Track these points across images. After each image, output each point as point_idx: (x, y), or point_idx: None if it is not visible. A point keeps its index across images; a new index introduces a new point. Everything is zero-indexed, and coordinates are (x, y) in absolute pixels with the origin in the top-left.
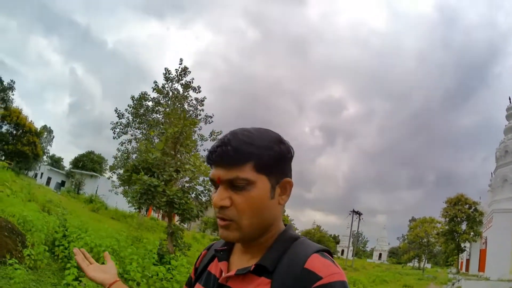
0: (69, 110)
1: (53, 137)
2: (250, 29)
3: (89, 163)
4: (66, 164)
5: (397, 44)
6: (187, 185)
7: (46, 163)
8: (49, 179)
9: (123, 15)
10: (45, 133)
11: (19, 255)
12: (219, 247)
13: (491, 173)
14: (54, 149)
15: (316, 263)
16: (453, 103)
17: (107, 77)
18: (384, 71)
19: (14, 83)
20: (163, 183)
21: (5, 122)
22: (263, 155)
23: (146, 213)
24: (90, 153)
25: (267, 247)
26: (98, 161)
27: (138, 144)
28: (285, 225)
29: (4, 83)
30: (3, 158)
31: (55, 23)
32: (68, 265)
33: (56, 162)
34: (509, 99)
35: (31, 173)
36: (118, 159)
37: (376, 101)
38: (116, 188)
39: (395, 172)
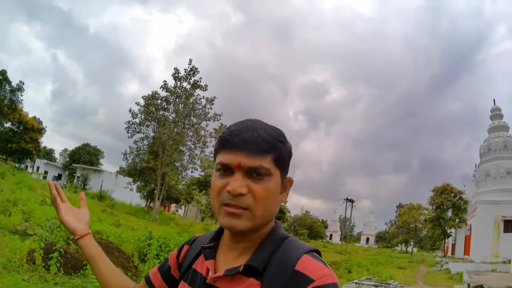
0: (52, 98)
1: (45, 129)
2: (234, 13)
3: (86, 156)
4: (57, 155)
5: (383, 29)
6: None
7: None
8: (45, 173)
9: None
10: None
11: (134, 270)
12: (205, 243)
13: (475, 165)
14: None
15: (308, 265)
16: (438, 89)
17: (89, 62)
18: (370, 56)
19: (23, 83)
20: None
21: (7, 120)
22: (281, 149)
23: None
24: (86, 145)
25: (257, 245)
26: (95, 153)
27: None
28: (274, 222)
29: (13, 85)
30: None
31: (37, 9)
32: None
33: (48, 154)
34: (493, 101)
35: (24, 167)
36: (128, 155)
37: (361, 86)
38: (130, 185)
39: (380, 157)
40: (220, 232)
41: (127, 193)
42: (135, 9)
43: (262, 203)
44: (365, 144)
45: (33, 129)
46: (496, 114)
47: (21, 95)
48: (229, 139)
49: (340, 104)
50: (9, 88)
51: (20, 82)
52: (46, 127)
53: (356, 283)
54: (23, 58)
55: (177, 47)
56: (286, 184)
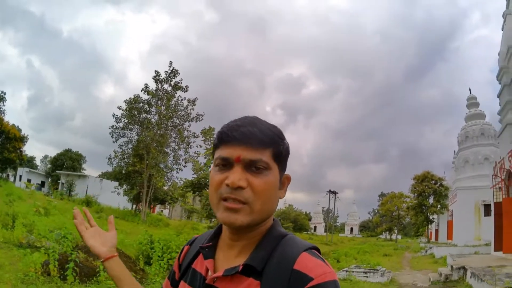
0: (29, 104)
1: (27, 137)
2: (208, 10)
3: (68, 161)
4: (38, 162)
5: (358, 22)
6: None
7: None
8: (28, 181)
9: (78, 2)
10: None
11: (141, 273)
12: (204, 243)
13: (454, 152)
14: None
15: (307, 263)
16: (414, 78)
17: (64, 67)
18: (346, 48)
19: (4, 93)
20: None
21: None
22: (279, 145)
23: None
24: (68, 151)
25: (256, 242)
26: (77, 158)
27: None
28: (273, 220)
29: None
30: None
31: (10, 15)
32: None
33: (29, 162)
34: (469, 90)
35: (5, 176)
36: (113, 159)
37: (338, 78)
38: (117, 189)
39: (360, 148)
40: (219, 231)
41: (113, 197)
42: (108, 10)
43: (261, 197)
44: (345, 135)
45: (15, 138)
46: (472, 102)
47: (3, 105)
48: (229, 133)
49: (317, 97)
50: None
51: (2, 92)
52: (27, 135)
53: (347, 271)
54: None
55: (152, 47)
56: (284, 181)
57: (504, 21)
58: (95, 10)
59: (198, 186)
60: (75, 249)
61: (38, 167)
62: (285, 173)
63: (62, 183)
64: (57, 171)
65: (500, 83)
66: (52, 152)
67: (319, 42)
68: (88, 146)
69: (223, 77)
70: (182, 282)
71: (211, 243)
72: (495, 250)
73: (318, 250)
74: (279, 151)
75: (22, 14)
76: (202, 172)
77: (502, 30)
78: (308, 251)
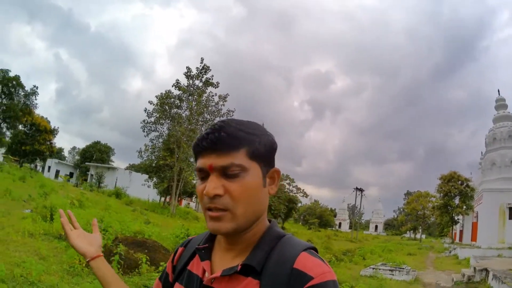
0: (57, 97)
1: (58, 130)
2: (235, 5)
3: (97, 153)
4: (66, 153)
5: (385, 19)
6: None
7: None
8: (57, 172)
9: None
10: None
11: None
12: (200, 244)
13: (481, 153)
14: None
15: (306, 262)
16: (441, 77)
17: (92, 60)
18: (373, 45)
19: (37, 88)
20: None
21: (19, 122)
22: (255, 142)
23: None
24: (97, 143)
25: (253, 245)
26: (106, 151)
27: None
28: (269, 221)
29: (27, 89)
30: (19, 159)
31: (38, 9)
32: None
33: (57, 153)
34: (498, 91)
35: (34, 166)
36: (143, 153)
37: (364, 76)
38: (148, 182)
39: (386, 146)
40: (214, 234)
41: (142, 190)
42: (136, 5)
43: (240, 201)
44: (371, 133)
45: (46, 131)
46: (500, 104)
47: (35, 99)
48: (199, 144)
49: (344, 93)
50: (23, 93)
51: (34, 86)
52: (58, 128)
53: (373, 268)
54: (26, 58)
55: (180, 41)
56: (273, 176)
57: None
58: (123, 4)
59: None
60: (115, 241)
61: (66, 158)
62: (275, 167)
63: (91, 175)
64: (86, 163)
65: None
66: (80, 144)
67: (346, 39)
68: (115, 139)
69: (250, 72)
70: (177, 284)
71: (207, 245)
72: None
73: (316, 250)
74: (255, 148)
75: (50, 8)
76: None
77: None
78: (307, 251)
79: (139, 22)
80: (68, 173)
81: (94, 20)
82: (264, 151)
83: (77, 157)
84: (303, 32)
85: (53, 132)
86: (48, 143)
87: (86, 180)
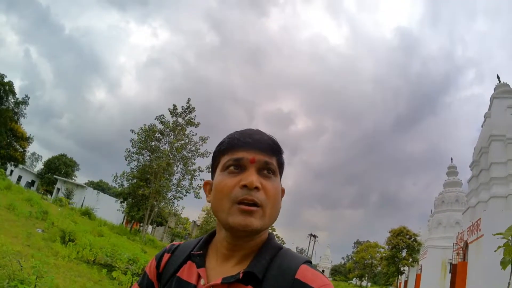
0: (19, 94)
1: (33, 138)
2: (210, 33)
3: (62, 166)
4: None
5: (356, 65)
6: None
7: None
8: (19, 178)
9: (84, 1)
10: None
11: None
12: (194, 251)
13: (431, 211)
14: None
15: (307, 274)
16: (402, 128)
17: (60, 63)
18: (339, 90)
19: (28, 98)
20: None
21: (5, 129)
22: (282, 155)
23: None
24: (62, 156)
25: (253, 253)
26: (71, 165)
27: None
28: (268, 233)
29: (18, 97)
30: None
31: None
32: None
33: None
34: (451, 159)
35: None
36: (119, 178)
37: (327, 119)
38: (122, 207)
39: (340, 191)
40: (208, 241)
41: (108, 212)
42: (113, 15)
43: (272, 200)
44: (326, 177)
45: (22, 138)
46: (452, 171)
47: (25, 109)
48: (241, 139)
49: (304, 135)
50: (13, 100)
51: (26, 96)
52: (33, 136)
53: None
54: None
55: (149, 60)
56: (282, 192)
57: (484, 121)
58: (100, 12)
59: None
60: (143, 270)
61: (26, 164)
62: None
63: (58, 189)
64: (54, 176)
65: (471, 171)
66: (35, 147)
67: (314, 81)
68: (70, 148)
69: (214, 100)
70: None
71: (201, 252)
72: None
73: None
74: (282, 161)
75: (28, 1)
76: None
77: (481, 127)
78: (306, 263)
79: (114, 33)
80: (30, 181)
81: (69, 23)
82: (283, 167)
83: (39, 165)
84: (272, 69)
85: (27, 140)
86: (22, 150)
87: (47, 191)
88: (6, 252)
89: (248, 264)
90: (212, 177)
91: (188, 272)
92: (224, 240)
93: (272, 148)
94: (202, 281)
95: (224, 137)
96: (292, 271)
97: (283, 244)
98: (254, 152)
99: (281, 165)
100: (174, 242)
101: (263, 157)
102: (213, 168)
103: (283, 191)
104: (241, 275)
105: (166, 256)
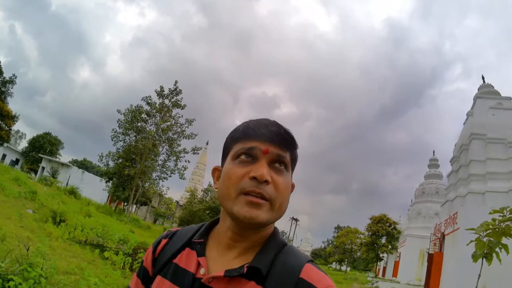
0: (3, 70)
1: (19, 117)
2: (197, 14)
3: (47, 145)
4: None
5: (344, 54)
6: None
7: None
8: (3, 156)
9: None
10: None
11: None
12: (195, 238)
13: (411, 201)
14: None
15: (312, 273)
16: (386, 118)
17: (45, 40)
18: (325, 78)
19: (16, 77)
20: None
21: None
22: (296, 150)
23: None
24: (47, 134)
25: (257, 246)
26: (55, 143)
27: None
28: (274, 227)
29: (5, 76)
30: None
31: None
32: None
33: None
34: (433, 152)
35: None
36: (105, 158)
37: (311, 106)
38: (107, 186)
39: (322, 177)
40: (209, 228)
41: (93, 191)
42: None
43: (281, 195)
44: (308, 162)
45: (8, 117)
46: (433, 163)
47: (12, 88)
48: (256, 129)
49: (287, 120)
50: (0, 79)
51: (13, 75)
52: (19, 115)
53: None
54: None
55: (135, 39)
56: (292, 188)
57: (467, 119)
58: None
59: (215, 210)
60: (134, 250)
61: (10, 142)
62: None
63: (43, 167)
64: (39, 154)
65: (451, 166)
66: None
67: (300, 67)
68: (52, 125)
69: (199, 83)
70: (159, 277)
71: (202, 240)
72: None
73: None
74: (295, 156)
75: None
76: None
77: (463, 124)
78: (310, 262)
79: (101, 11)
80: (14, 159)
81: None
82: (296, 162)
83: (23, 143)
84: (259, 54)
85: (13, 118)
86: (8, 129)
87: (31, 169)
88: (9, 236)
89: (253, 259)
90: (222, 164)
91: (186, 260)
92: (228, 229)
93: (287, 141)
94: (202, 271)
95: (239, 124)
96: (297, 270)
97: None
98: (268, 143)
99: (294, 160)
100: (172, 228)
101: (277, 150)
102: (224, 155)
103: (293, 186)
104: (245, 269)
105: (163, 242)
